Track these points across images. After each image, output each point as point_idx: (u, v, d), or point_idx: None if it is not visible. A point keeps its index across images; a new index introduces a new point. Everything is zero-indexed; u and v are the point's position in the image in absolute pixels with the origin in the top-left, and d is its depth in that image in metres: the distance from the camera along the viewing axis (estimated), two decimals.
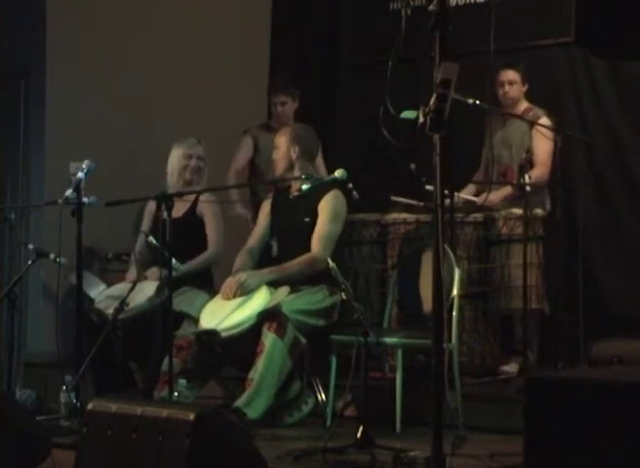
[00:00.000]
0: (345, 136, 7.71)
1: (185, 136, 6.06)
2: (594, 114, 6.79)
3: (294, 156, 5.64)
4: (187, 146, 5.98)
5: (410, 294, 5.44)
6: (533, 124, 6.03)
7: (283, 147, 5.66)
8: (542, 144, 6.00)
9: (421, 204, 5.98)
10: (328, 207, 5.51)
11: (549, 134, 5.97)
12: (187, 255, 5.69)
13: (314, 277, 5.39)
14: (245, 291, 5.34)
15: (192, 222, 5.87)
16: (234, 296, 5.34)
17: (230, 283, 5.40)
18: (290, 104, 6.71)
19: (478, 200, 5.92)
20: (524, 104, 6.20)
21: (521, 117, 6.09)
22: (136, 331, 5.46)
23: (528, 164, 5.80)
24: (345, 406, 5.17)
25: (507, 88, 6.12)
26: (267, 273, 5.45)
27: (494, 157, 6.11)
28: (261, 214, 5.84)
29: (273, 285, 5.41)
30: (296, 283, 5.41)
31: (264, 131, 6.74)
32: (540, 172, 5.96)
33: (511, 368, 5.88)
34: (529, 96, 6.28)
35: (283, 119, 6.68)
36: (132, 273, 5.92)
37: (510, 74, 6.13)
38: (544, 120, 6.06)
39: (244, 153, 6.77)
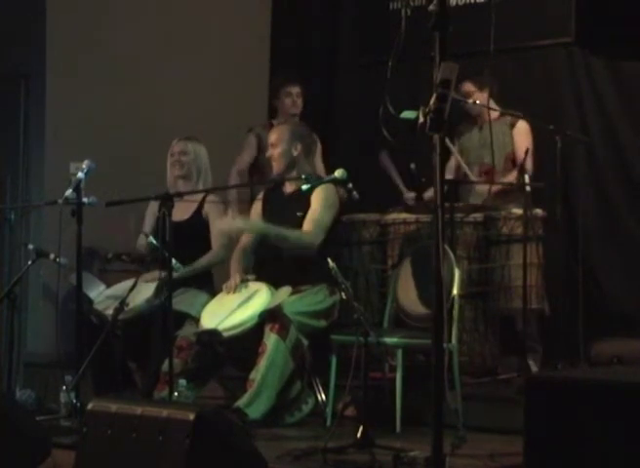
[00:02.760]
0: (345, 135, 7.71)
1: (185, 136, 6.06)
2: (594, 114, 6.79)
3: (295, 154, 5.61)
4: (171, 146, 5.99)
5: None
6: (513, 124, 6.15)
7: (283, 145, 5.61)
8: (523, 146, 6.03)
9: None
10: (319, 196, 5.48)
11: (528, 134, 6.11)
12: (193, 258, 5.70)
13: (314, 277, 5.39)
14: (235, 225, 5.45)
15: (198, 225, 5.87)
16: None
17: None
18: (301, 100, 6.71)
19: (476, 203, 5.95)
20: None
21: (511, 114, 6.13)
22: (135, 331, 5.46)
23: (510, 163, 5.89)
24: (345, 406, 5.17)
25: (467, 100, 6.17)
26: (261, 224, 5.47)
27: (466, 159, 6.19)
28: (253, 212, 5.82)
29: (274, 286, 5.41)
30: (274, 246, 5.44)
31: (268, 129, 6.72)
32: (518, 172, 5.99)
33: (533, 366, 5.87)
34: (531, 98, 6.33)
35: (294, 111, 6.65)
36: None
37: (465, 86, 6.18)
38: (522, 121, 6.11)
39: (248, 153, 6.74)
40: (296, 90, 6.69)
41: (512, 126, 6.21)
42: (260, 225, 5.51)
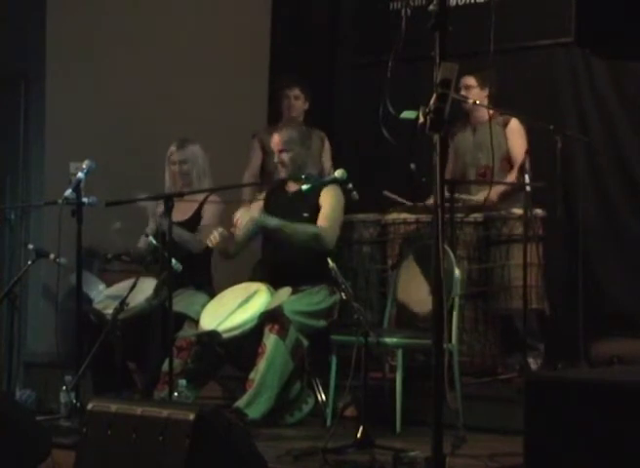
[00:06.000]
0: (345, 135, 7.70)
1: (185, 136, 6.05)
2: (594, 114, 6.79)
3: (307, 155, 5.61)
4: (169, 154, 5.98)
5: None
6: (506, 124, 6.17)
7: (295, 149, 5.58)
8: (518, 145, 6.05)
9: (410, 203, 6.01)
10: (329, 197, 5.50)
11: (522, 133, 6.14)
12: (191, 258, 5.70)
13: (314, 277, 5.39)
14: (243, 220, 5.37)
15: (197, 225, 5.85)
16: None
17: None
18: (302, 101, 6.73)
19: (477, 198, 5.93)
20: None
21: (503, 112, 6.15)
22: (134, 331, 5.46)
23: (506, 163, 6.02)
24: (345, 406, 5.17)
25: (464, 92, 6.16)
26: (276, 219, 5.43)
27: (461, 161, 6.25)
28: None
29: (274, 286, 5.41)
30: (293, 244, 5.40)
31: (271, 133, 6.72)
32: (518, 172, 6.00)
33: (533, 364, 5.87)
34: (531, 98, 6.33)
35: (294, 114, 6.67)
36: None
37: (467, 80, 6.18)
38: (514, 121, 6.15)
39: (256, 158, 6.77)
40: (294, 92, 6.72)
41: (505, 125, 6.22)
42: (275, 221, 5.45)
